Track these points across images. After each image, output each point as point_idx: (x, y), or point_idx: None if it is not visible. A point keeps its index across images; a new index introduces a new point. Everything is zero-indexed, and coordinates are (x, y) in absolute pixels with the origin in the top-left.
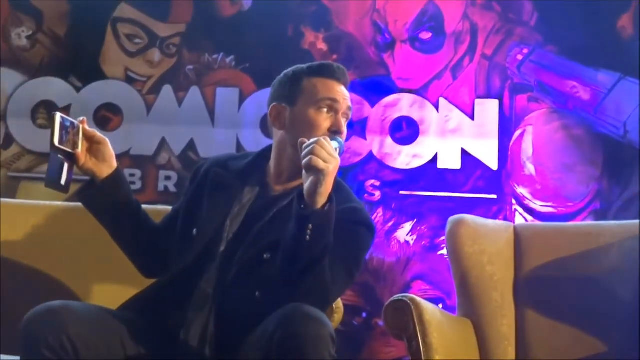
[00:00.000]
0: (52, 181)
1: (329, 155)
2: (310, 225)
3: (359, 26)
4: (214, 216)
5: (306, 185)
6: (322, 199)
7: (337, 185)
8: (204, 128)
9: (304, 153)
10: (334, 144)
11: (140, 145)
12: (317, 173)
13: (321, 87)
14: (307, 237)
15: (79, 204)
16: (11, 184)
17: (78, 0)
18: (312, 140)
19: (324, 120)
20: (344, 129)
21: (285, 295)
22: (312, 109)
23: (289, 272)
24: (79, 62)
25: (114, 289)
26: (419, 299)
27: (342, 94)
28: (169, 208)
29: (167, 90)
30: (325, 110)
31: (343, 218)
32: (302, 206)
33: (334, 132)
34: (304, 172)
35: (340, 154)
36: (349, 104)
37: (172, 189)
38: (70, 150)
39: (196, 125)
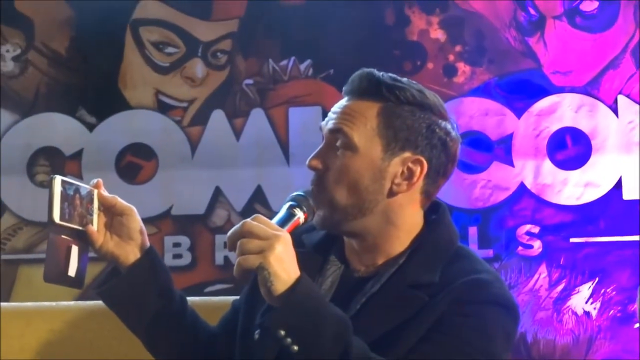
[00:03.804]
0: (56, 274)
1: (263, 239)
2: (282, 332)
3: (490, 1)
4: None
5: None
6: (279, 292)
7: (455, 255)
8: (275, 168)
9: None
10: (281, 213)
11: (186, 201)
12: (258, 272)
13: None
14: (294, 347)
15: (101, 302)
16: (7, 271)
17: (83, 0)
18: (232, 230)
19: None
20: (311, 161)
21: None
22: None
23: None
24: (89, 88)
25: None
26: None
27: (333, 111)
28: (230, 299)
29: (218, 117)
30: None
31: (459, 299)
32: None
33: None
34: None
35: (308, 216)
36: (335, 121)
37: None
38: (79, 228)
39: (264, 165)
